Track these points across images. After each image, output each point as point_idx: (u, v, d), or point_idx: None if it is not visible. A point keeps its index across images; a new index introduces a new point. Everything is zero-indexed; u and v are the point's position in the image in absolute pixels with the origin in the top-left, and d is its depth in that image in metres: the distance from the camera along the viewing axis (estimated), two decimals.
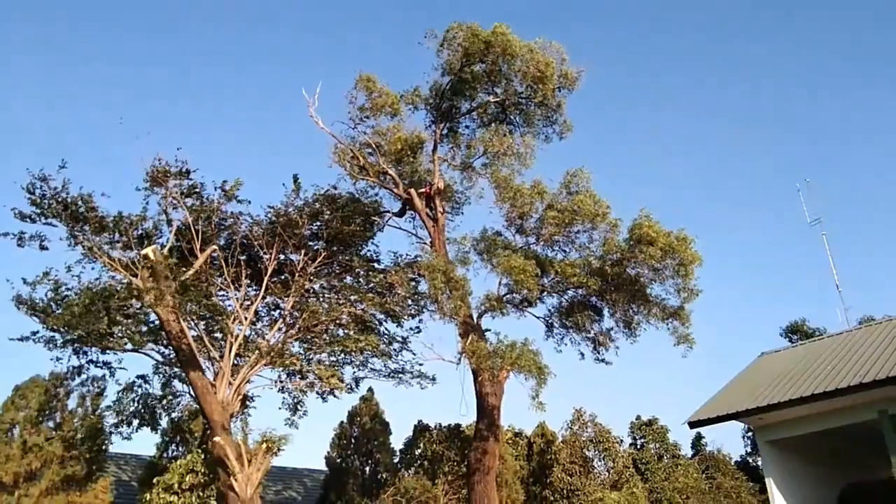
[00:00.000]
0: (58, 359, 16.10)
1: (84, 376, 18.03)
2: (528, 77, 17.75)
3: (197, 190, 15.95)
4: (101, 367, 16.81)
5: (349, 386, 18.27)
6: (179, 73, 54.64)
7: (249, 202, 16.51)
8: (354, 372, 18.57)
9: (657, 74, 61.49)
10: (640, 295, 16.65)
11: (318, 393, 17.68)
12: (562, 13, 60.83)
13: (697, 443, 28.88)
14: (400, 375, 18.80)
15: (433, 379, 18.81)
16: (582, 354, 18.56)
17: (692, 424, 17.69)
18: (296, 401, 17.81)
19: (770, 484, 16.70)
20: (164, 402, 17.97)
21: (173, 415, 18.90)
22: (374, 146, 18.73)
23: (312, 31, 61.54)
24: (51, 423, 18.03)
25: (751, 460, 28.87)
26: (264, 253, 16.44)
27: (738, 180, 60.72)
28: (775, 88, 58.53)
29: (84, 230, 14.79)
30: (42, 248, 14.82)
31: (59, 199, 14.44)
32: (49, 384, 18.16)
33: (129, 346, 15.88)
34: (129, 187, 15.65)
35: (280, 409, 17.82)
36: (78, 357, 16.26)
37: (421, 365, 18.68)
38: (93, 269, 15.45)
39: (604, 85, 62.78)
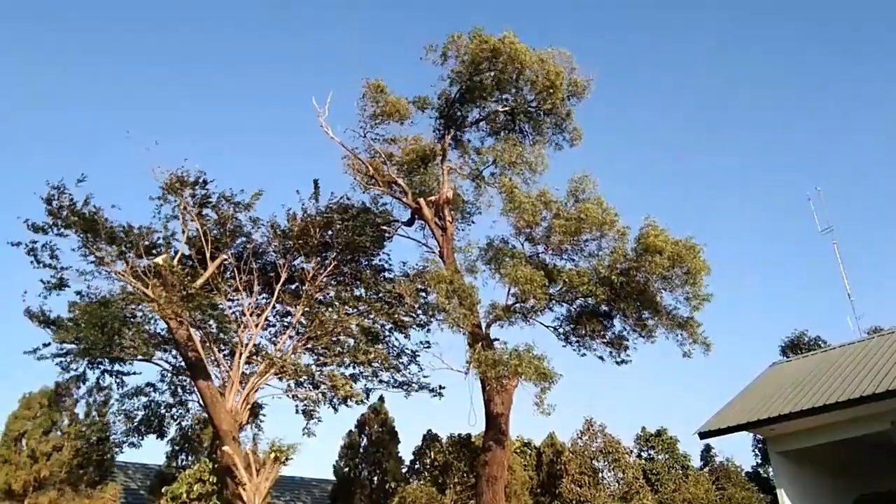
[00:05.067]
0: (69, 370, 16.19)
1: (90, 384, 18.15)
2: (537, 86, 17.80)
3: (211, 200, 16.05)
4: (115, 376, 16.91)
5: (362, 396, 18.19)
6: (184, 77, 55.09)
7: (253, 206, 16.57)
8: (365, 384, 18.53)
9: (663, 78, 61.53)
10: (649, 303, 16.58)
11: (329, 402, 17.66)
12: (564, 16, 61.00)
13: (707, 454, 28.66)
14: (408, 387, 18.72)
15: (440, 393, 18.71)
16: (602, 358, 18.45)
17: (703, 435, 17.57)
18: (309, 409, 17.79)
19: (781, 495, 16.54)
20: (173, 410, 18.02)
21: (183, 423, 18.94)
22: (384, 155, 18.82)
23: (319, 35, 61.96)
24: (59, 433, 18.14)
25: (762, 471, 28.60)
26: (278, 260, 16.49)
27: (748, 188, 60.47)
28: (784, 93, 58.39)
29: (97, 240, 14.93)
30: (52, 257, 14.96)
31: (75, 210, 14.63)
32: (54, 393, 18.31)
33: (139, 355, 15.96)
34: (134, 193, 15.83)
35: (297, 413, 17.83)
36: (91, 368, 16.37)
37: (427, 376, 18.61)
38: (103, 278, 15.61)
39: (610, 88, 62.84)
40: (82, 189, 14.71)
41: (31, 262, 14.80)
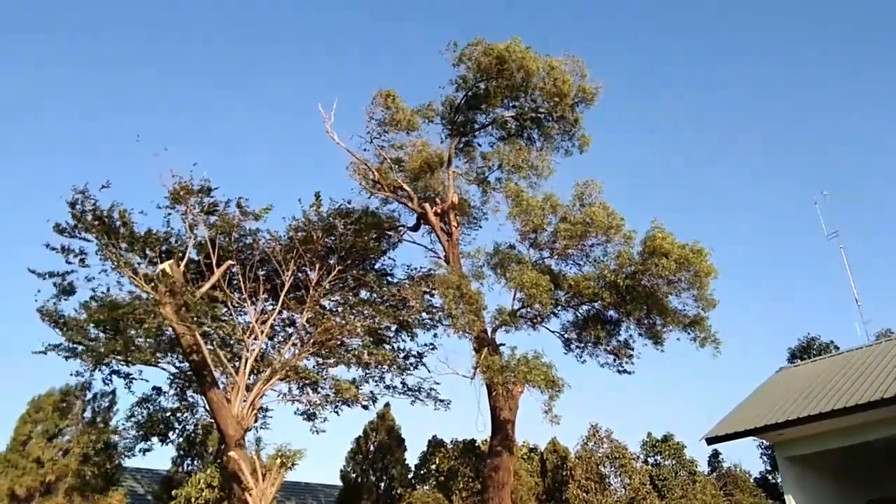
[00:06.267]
0: (78, 373, 16.34)
1: (96, 389, 18.26)
2: (545, 92, 17.82)
3: (217, 208, 16.17)
4: (124, 378, 17.02)
5: (367, 399, 18.20)
6: (191, 86, 55.38)
7: (266, 218, 16.68)
8: (371, 390, 18.54)
9: (669, 85, 61.52)
10: (657, 307, 16.55)
11: (333, 406, 17.72)
12: (573, 23, 61.12)
13: (715, 460, 28.50)
14: (415, 394, 18.74)
15: (448, 404, 18.75)
16: (603, 366, 18.44)
17: (710, 441, 17.43)
18: (311, 411, 17.86)
19: (790, 501, 16.41)
20: (179, 415, 18.09)
21: (188, 428, 19.00)
22: (389, 161, 18.87)
23: (322, 43, 62.26)
24: (66, 438, 18.18)
25: (770, 477, 28.42)
26: (282, 269, 16.55)
27: (754, 193, 60.34)
28: (789, 99, 58.31)
29: (117, 244, 15.11)
30: (83, 264, 15.26)
31: (96, 214, 14.84)
32: (60, 397, 18.36)
33: (146, 360, 16.06)
34: (140, 198, 16.05)
35: (296, 414, 17.92)
36: (100, 369, 16.49)
37: (438, 384, 18.62)
38: (118, 282, 15.76)
39: (616, 95, 62.85)
40: (105, 194, 15.09)
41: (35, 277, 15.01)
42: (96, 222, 14.90)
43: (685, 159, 63.08)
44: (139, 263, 15.32)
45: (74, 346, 15.48)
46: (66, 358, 15.74)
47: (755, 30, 58.01)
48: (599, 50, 57.09)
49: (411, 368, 18.48)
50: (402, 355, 18.44)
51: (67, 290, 15.41)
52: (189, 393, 18.10)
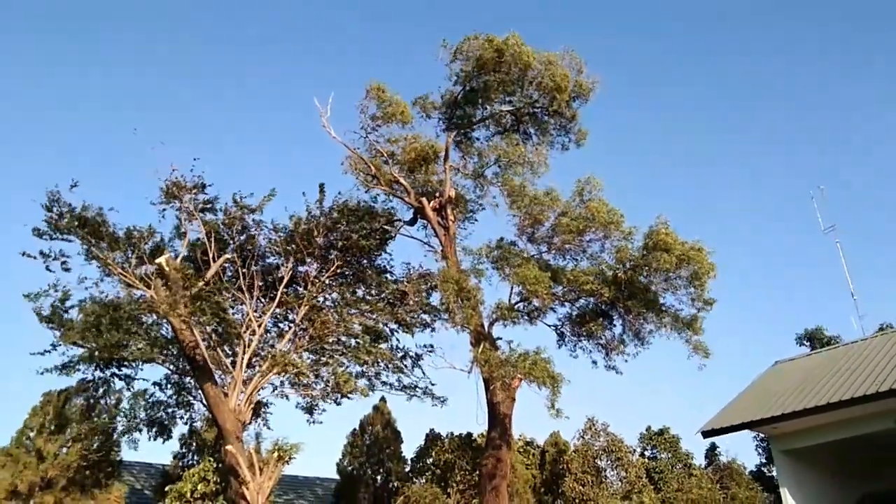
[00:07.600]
0: (75, 372, 16.34)
1: (105, 387, 18.28)
2: (542, 87, 17.75)
3: (211, 206, 16.11)
4: (123, 380, 17.04)
5: (365, 390, 18.21)
6: (191, 86, 55.13)
7: (263, 208, 16.62)
8: (365, 384, 18.53)
9: (668, 83, 61.37)
10: (652, 304, 16.57)
11: (332, 398, 17.75)
12: (572, 19, 60.88)
13: (711, 453, 28.62)
14: (412, 391, 18.75)
15: (444, 400, 18.76)
16: (594, 363, 18.51)
17: (706, 434, 17.49)
18: (310, 404, 17.90)
19: (785, 494, 16.49)
20: (179, 411, 18.10)
21: (192, 424, 19.05)
22: (386, 155, 18.80)
23: (322, 43, 61.96)
24: (68, 433, 18.18)
25: (765, 470, 28.55)
26: (283, 263, 16.52)
27: (750, 188, 60.31)
28: (788, 97, 58.20)
29: (100, 245, 14.98)
30: (65, 269, 15.09)
31: (76, 216, 14.68)
32: (59, 396, 18.33)
33: (143, 357, 16.02)
34: (141, 196, 15.90)
35: (297, 408, 17.98)
36: (102, 371, 16.48)
37: (433, 385, 18.63)
38: (107, 282, 15.69)
39: (615, 92, 62.63)
40: (78, 194, 14.91)
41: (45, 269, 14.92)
42: (76, 223, 14.71)
43: (684, 159, 62.95)
44: (127, 262, 15.19)
45: (70, 348, 15.43)
46: (61, 369, 15.73)
47: (755, 30, 57.84)
48: (599, 49, 56.84)
49: (409, 369, 18.48)
50: (399, 355, 18.44)
51: (64, 300, 15.30)
52: (187, 388, 18.10)
